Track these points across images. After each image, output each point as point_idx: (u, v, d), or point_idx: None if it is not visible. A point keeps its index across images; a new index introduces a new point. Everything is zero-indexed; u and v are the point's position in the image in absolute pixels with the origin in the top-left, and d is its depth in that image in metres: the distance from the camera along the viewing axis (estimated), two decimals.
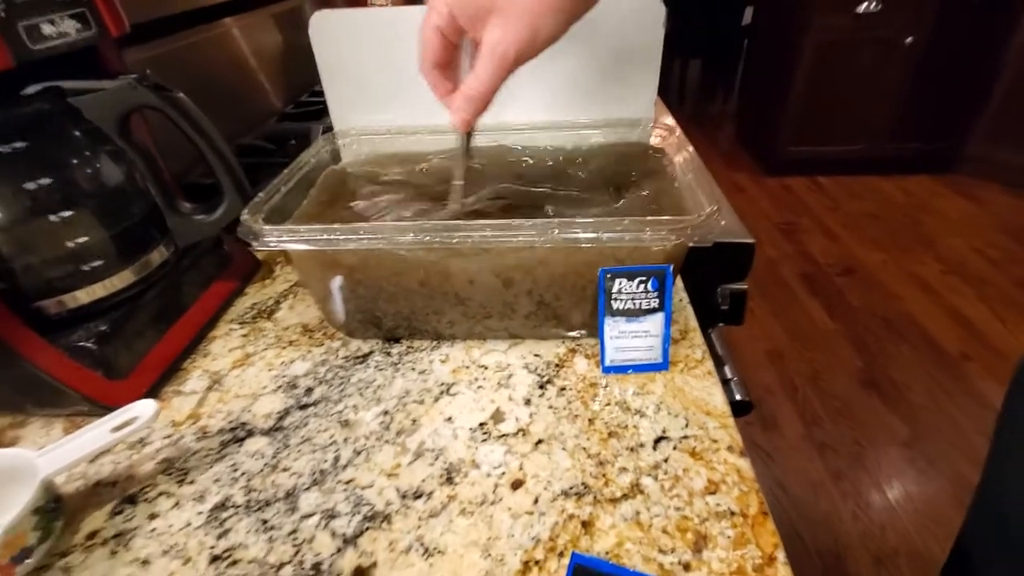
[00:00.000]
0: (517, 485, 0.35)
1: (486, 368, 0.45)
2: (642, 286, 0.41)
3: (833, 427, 1.54)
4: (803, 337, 1.84)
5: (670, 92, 4.06)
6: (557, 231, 0.38)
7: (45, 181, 0.38)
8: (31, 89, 0.39)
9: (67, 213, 0.40)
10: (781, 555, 0.31)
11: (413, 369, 0.45)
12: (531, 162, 0.55)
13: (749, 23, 3.67)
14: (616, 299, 0.41)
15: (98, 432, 0.35)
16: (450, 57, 0.37)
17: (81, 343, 0.41)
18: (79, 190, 0.41)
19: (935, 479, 1.39)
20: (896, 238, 2.31)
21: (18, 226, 0.38)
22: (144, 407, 0.36)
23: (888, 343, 1.80)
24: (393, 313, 0.47)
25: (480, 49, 0.34)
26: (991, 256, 2.16)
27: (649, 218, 0.38)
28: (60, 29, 0.36)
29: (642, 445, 0.38)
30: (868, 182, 2.74)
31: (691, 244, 0.37)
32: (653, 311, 0.41)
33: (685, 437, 0.38)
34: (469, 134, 0.42)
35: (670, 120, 0.88)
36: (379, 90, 0.57)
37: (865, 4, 2.32)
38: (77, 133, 0.41)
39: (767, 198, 2.69)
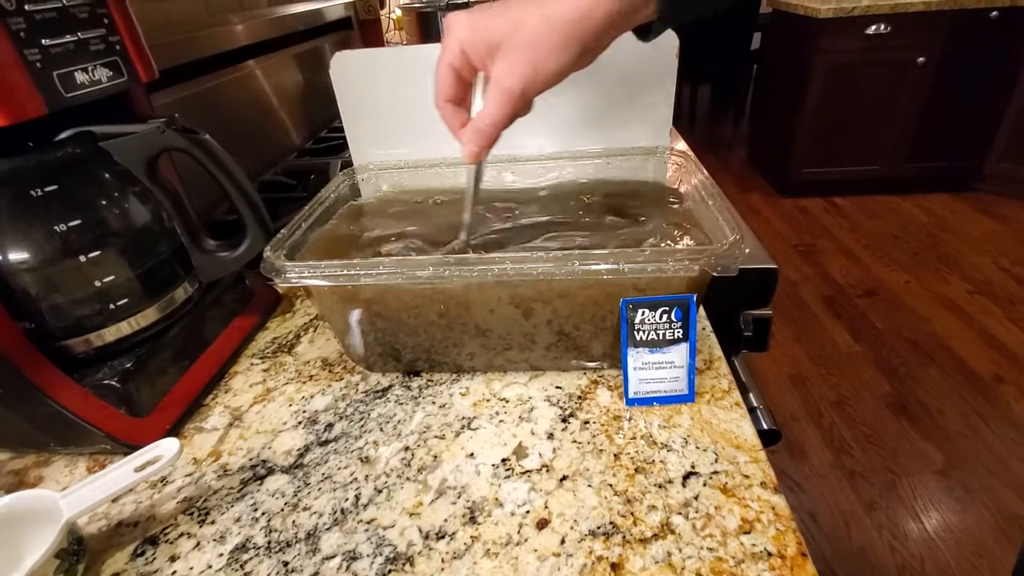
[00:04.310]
0: (543, 525, 0.34)
1: (507, 401, 0.44)
2: (665, 316, 0.40)
3: (863, 455, 1.49)
4: (827, 361, 1.80)
5: (680, 118, 4.09)
6: (577, 263, 0.38)
7: (75, 223, 0.39)
8: (64, 134, 0.41)
9: (96, 253, 0.40)
10: None
11: (433, 403, 0.45)
12: (546, 195, 0.55)
13: (757, 48, 3.71)
14: (639, 330, 0.41)
15: (121, 472, 0.35)
16: (463, 93, 0.39)
17: (106, 381, 0.42)
18: (108, 231, 0.41)
19: (975, 508, 1.33)
20: (919, 258, 2.27)
21: (49, 267, 0.39)
22: (167, 446, 0.36)
23: (916, 366, 1.75)
24: (412, 346, 0.47)
25: (489, 84, 0.36)
26: (1018, 275, 2.11)
27: (671, 248, 0.37)
28: (93, 77, 0.38)
29: (671, 481, 0.36)
30: (886, 202, 2.71)
31: (715, 274, 0.36)
32: (677, 341, 0.41)
33: (715, 472, 0.37)
34: (479, 167, 0.43)
35: (683, 145, 0.88)
36: (397, 126, 0.58)
37: (874, 26, 2.33)
38: (107, 176, 0.42)
39: (782, 220, 2.67)
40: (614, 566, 0.32)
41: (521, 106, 0.37)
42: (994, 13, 2.29)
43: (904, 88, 2.46)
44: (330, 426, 0.44)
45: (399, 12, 1.65)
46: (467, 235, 0.45)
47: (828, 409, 1.63)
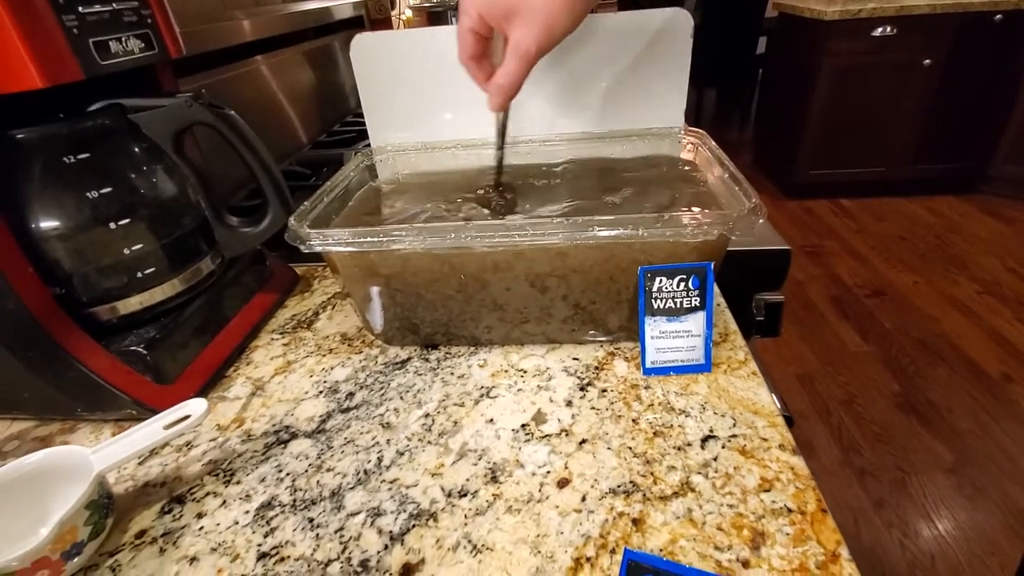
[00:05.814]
0: (563, 484, 0.35)
1: (525, 372, 0.45)
2: (683, 284, 0.40)
3: (872, 453, 1.48)
4: (835, 360, 1.79)
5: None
6: (596, 228, 0.39)
7: (106, 190, 0.40)
8: (94, 106, 0.42)
9: (125, 221, 0.41)
10: (845, 552, 0.30)
11: (452, 374, 0.46)
12: (563, 172, 0.56)
13: (762, 52, 3.72)
14: (656, 298, 0.41)
15: (151, 429, 0.36)
16: (483, 50, 0.43)
17: (133, 348, 0.42)
18: (137, 200, 0.42)
19: (985, 506, 1.32)
20: (926, 259, 2.27)
21: (80, 233, 0.40)
22: (196, 405, 0.37)
23: (925, 365, 1.74)
24: (431, 320, 0.47)
25: (507, 46, 0.40)
26: None
27: (690, 211, 0.38)
28: (126, 47, 0.39)
29: (689, 444, 0.37)
30: (893, 203, 2.71)
31: (734, 237, 0.37)
32: (694, 310, 0.41)
33: (734, 436, 0.37)
34: (505, 116, 0.50)
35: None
36: (415, 108, 0.59)
37: (880, 28, 2.34)
38: (135, 148, 0.43)
39: (789, 221, 2.67)
40: (635, 521, 0.32)
41: (535, 62, 0.41)
42: (999, 16, 2.30)
43: (910, 90, 2.47)
44: (351, 395, 0.44)
45: (409, 13, 1.67)
46: (497, 174, 0.52)
47: (837, 408, 1.62)
